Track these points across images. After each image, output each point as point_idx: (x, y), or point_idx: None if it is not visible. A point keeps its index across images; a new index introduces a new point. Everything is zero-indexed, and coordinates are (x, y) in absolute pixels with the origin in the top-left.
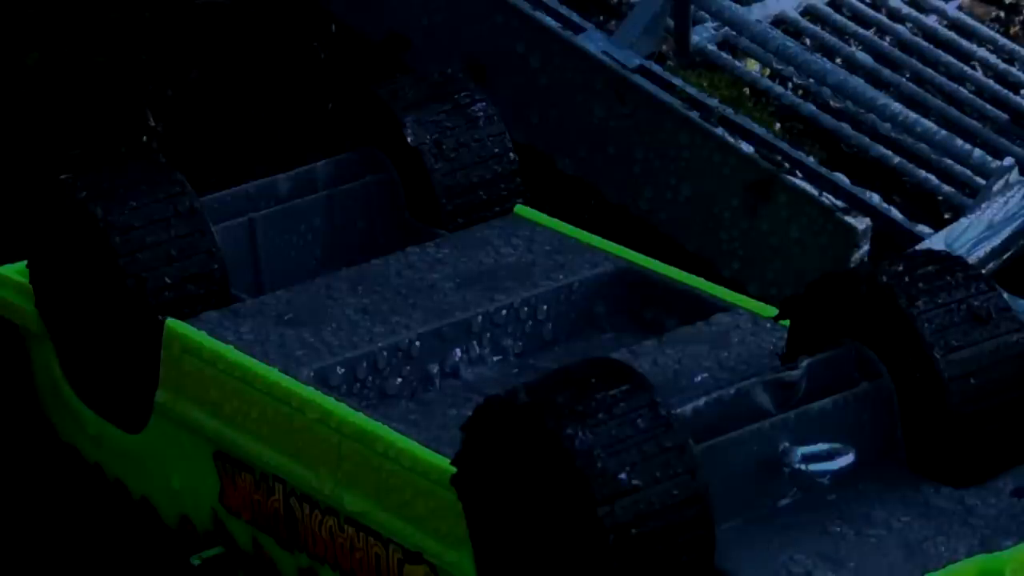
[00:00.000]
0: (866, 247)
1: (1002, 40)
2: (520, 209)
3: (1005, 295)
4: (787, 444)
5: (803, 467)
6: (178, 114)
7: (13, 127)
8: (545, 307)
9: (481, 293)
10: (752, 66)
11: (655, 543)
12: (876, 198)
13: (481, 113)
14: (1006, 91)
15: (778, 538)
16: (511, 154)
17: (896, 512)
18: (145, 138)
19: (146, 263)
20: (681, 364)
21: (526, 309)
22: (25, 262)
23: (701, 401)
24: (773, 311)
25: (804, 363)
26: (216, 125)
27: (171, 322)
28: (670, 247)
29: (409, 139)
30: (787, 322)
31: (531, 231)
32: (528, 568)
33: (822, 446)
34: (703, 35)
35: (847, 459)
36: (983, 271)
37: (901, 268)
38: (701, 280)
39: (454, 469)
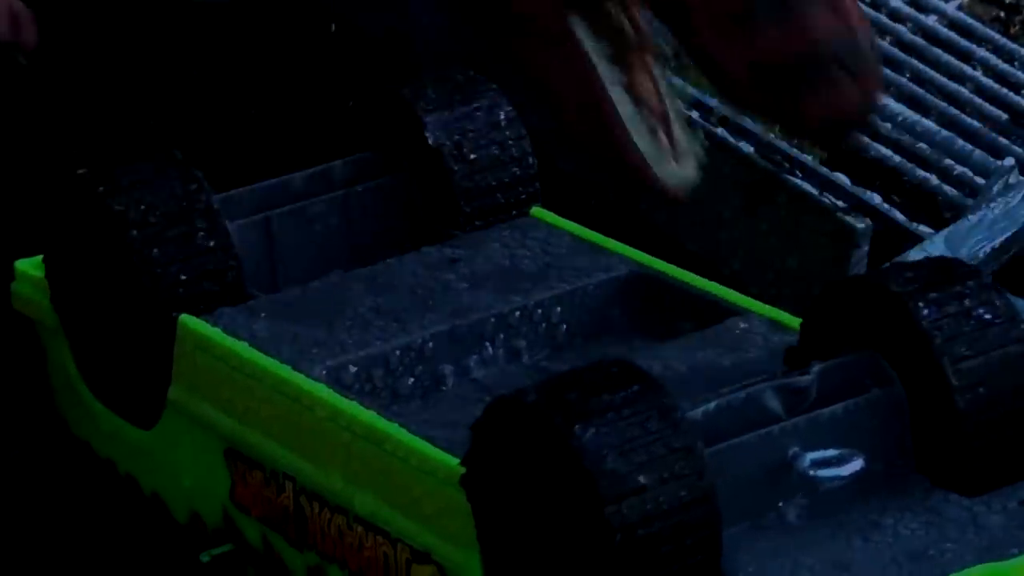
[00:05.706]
0: (866, 247)
1: (1002, 40)
2: (536, 211)
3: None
4: (796, 449)
5: (812, 473)
6: (193, 112)
7: (28, 118)
8: (559, 309)
9: (495, 294)
10: None
11: (661, 544)
12: (876, 198)
13: (503, 115)
14: (1006, 91)
15: (785, 543)
16: (531, 158)
17: (905, 519)
18: (158, 134)
19: (162, 259)
20: (693, 368)
21: (540, 311)
22: (41, 257)
23: (711, 404)
24: (789, 317)
25: (815, 368)
26: (231, 123)
27: (185, 318)
28: (670, 247)
29: (430, 140)
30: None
31: (547, 233)
32: (535, 568)
33: (832, 452)
34: None
35: (857, 465)
36: (986, 273)
37: (911, 275)
38: (716, 284)
39: (463, 469)
